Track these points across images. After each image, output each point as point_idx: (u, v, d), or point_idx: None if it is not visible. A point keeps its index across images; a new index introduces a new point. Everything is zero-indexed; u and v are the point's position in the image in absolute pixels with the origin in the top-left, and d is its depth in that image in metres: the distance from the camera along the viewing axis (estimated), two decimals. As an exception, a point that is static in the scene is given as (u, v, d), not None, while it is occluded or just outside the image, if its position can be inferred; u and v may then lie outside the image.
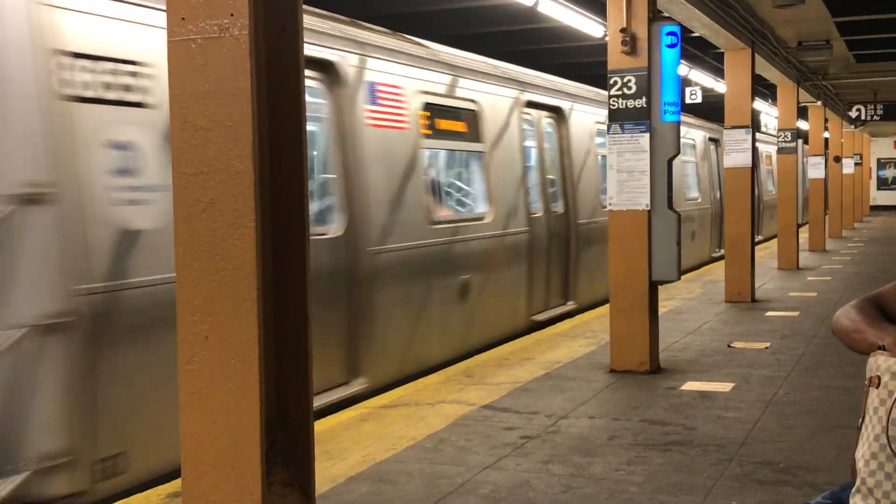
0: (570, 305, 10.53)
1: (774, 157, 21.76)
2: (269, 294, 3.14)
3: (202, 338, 3.13)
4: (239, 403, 3.08)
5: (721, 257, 16.25)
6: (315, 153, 6.63)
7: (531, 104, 9.82)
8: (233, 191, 3.06)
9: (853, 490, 2.64)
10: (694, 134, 16.31)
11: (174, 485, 4.50)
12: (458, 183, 8.97)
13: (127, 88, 4.71)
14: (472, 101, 8.60)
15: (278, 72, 3.19)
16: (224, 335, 3.09)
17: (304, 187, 3.25)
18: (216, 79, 3.07)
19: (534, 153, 10.00)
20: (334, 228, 6.48)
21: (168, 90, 3.15)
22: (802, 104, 17.80)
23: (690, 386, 6.67)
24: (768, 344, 8.31)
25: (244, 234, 3.06)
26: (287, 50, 3.22)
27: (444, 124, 8.22)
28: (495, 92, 9.01)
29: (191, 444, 3.16)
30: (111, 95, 4.62)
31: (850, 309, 2.61)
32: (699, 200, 16.13)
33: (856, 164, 28.49)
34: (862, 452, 2.62)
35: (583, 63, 16.00)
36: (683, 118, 15.70)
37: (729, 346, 8.29)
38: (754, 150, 11.79)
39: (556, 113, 10.51)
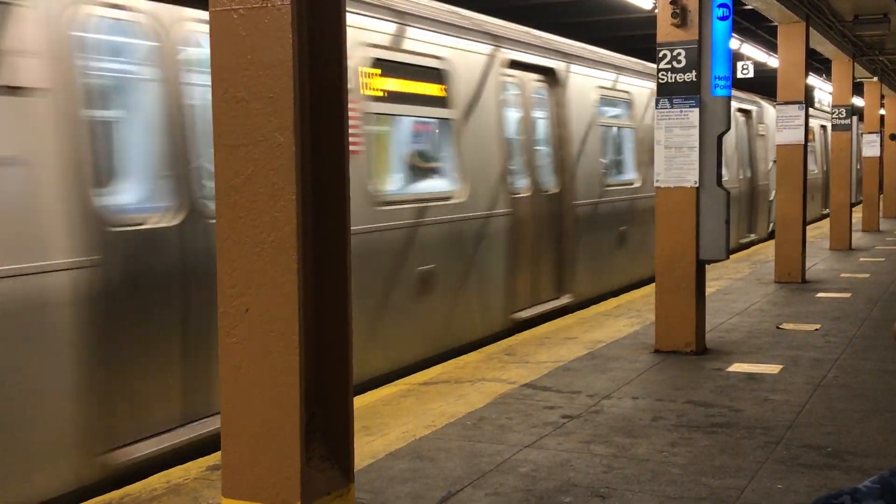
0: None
1: (817, 133, 21.22)
2: (309, 267, 3.11)
3: (242, 311, 3.12)
4: (278, 377, 3.07)
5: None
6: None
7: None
8: (273, 163, 3.03)
9: (905, 476, 2.56)
10: None
11: (214, 457, 4.52)
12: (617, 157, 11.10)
13: None
14: (628, 92, 10.89)
15: (320, 43, 3.14)
16: (264, 308, 3.08)
17: (344, 159, 3.21)
18: (257, 50, 3.03)
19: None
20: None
21: (210, 60, 3.12)
22: (858, 80, 17.35)
23: (737, 367, 6.55)
24: (818, 326, 8.14)
25: (284, 207, 3.03)
26: (328, 21, 3.17)
27: (610, 110, 10.70)
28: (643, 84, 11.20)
29: (230, 417, 3.16)
30: None
31: None
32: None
33: (913, 142, 27.72)
34: None
35: (631, 36, 15.75)
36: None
37: (778, 327, 8.13)
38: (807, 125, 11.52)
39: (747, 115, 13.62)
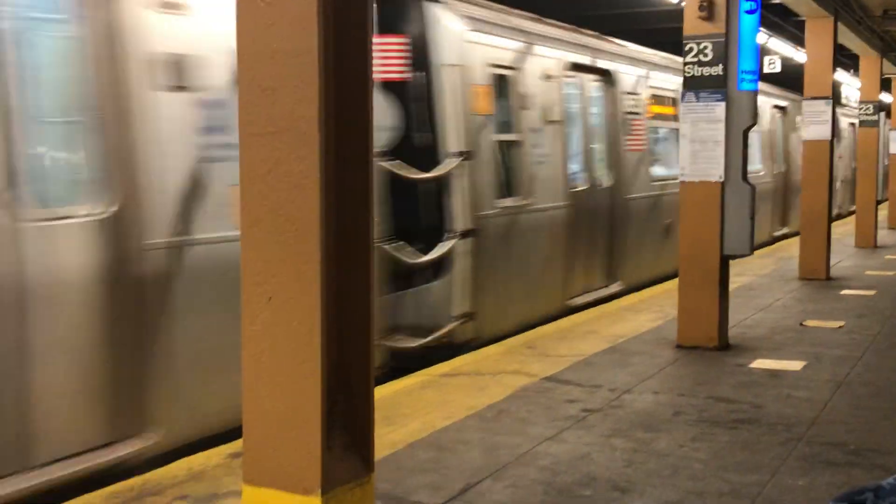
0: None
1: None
2: (331, 257, 3.11)
3: (265, 299, 3.13)
4: (301, 366, 3.07)
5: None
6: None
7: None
8: (298, 152, 3.03)
9: (930, 475, 2.54)
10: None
11: (235, 445, 4.54)
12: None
13: None
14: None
15: (346, 32, 3.13)
16: (286, 297, 3.08)
17: (368, 149, 3.21)
18: (283, 38, 3.03)
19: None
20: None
21: (236, 49, 3.13)
22: (886, 76, 17.17)
23: (760, 364, 6.51)
24: (842, 323, 8.07)
25: (308, 196, 3.03)
26: (354, 9, 3.16)
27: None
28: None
29: (252, 405, 3.17)
30: None
31: None
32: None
33: (940, 139, 27.41)
34: None
35: (659, 29, 15.65)
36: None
37: (801, 324, 8.07)
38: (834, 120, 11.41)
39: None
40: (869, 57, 15.39)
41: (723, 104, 6.75)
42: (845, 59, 17.39)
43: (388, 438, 4.73)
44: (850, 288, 10.24)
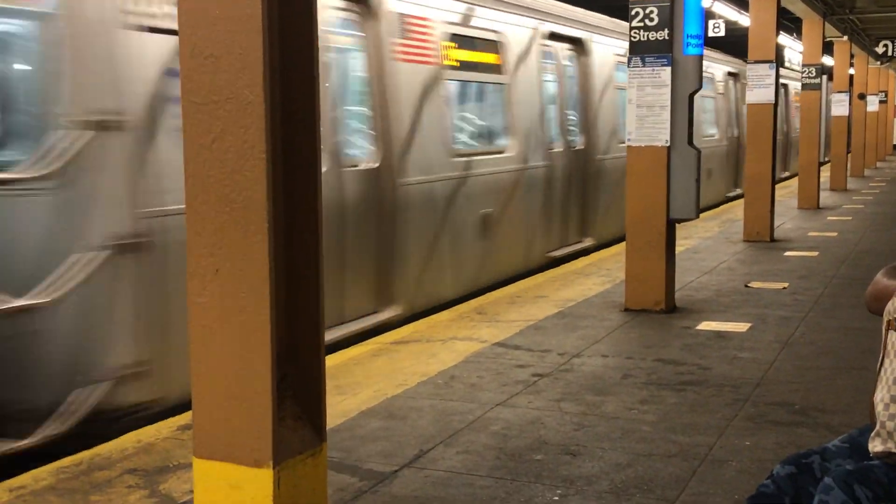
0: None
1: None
2: (279, 227, 3.08)
3: (213, 271, 3.08)
4: (250, 337, 3.04)
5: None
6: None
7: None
8: (243, 121, 2.98)
9: (872, 433, 2.60)
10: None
11: (185, 417, 4.50)
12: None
13: None
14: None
15: (290, -2, 3.07)
16: (234, 269, 3.04)
17: (315, 118, 3.16)
18: (226, 4, 2.96)
19: None
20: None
21: (177, 15, 3.05)
22: (828, 39, 17.40)
23: (706, 326, 6.61)
24: (786, 284, 8.23)
25: (255, 166, 2.98)
26: (298, -26, 3.10)
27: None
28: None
29: (202, 377, 3.14)
30: None
31: (877, 276, 2.66)
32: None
33: (881, 101, 27.98)
34: (881, 395, 2.57)
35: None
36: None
37: (746, 286, 8.21)
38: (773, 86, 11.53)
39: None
40: (811, 20, 15.56)
41: (668, 69, 6.77)
42: (788, 22, 17.58)
43: (339, 407, 4.73)
44: (793, 249, 10.43)
